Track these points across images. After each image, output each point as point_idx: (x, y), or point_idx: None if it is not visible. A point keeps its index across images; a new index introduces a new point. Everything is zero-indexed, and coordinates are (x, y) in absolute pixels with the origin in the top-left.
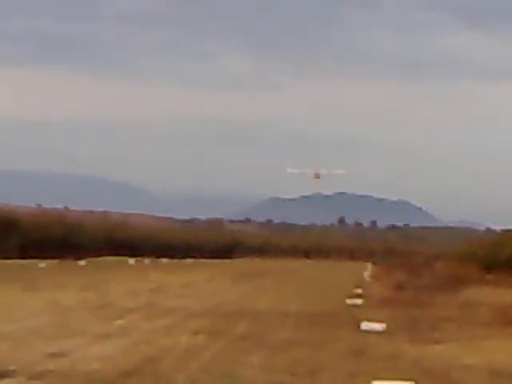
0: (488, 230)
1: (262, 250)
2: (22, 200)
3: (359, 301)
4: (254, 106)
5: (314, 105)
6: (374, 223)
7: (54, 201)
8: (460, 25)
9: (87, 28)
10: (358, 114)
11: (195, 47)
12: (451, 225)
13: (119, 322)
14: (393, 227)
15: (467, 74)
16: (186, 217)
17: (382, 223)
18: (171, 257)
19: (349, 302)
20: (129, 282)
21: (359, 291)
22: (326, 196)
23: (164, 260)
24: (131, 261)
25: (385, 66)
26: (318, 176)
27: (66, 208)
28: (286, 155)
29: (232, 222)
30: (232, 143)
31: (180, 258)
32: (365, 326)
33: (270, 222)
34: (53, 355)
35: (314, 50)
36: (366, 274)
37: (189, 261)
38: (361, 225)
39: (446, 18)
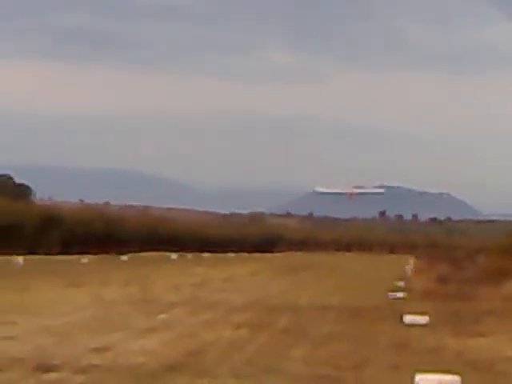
0: None
1: (303, 244)
2: (64, 195)
3: (401, 294)
4: (293, 98)
5: (353, 97)
6: (415, 216)
7: (93, 196)
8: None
9: (124, 23)
10: (398, 105)
11: (234, 40)
12: (493, 217)
13: (162, 316)
14: (434, 220)
15: (503, 63)
16: (227, 211)
17: (423, 216)
18: (213, 251)
19: (391, 295)
20: (171, 276)
21: (401, 284)
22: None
23: (206, 254)
24: (173, 255)
25: (424, 58)
26: (351, 196)
27: (107, 203)
28: (327, 148)
29: (273, 215)
30: (272, 136)
31: (222, 252)
32: (407, 319)
33: (311, 215)
34: (97, 349)
35: (353, 42)
36: (408, 268)
37: (230, 255)
38: (402, 218)
39: (488, 8)
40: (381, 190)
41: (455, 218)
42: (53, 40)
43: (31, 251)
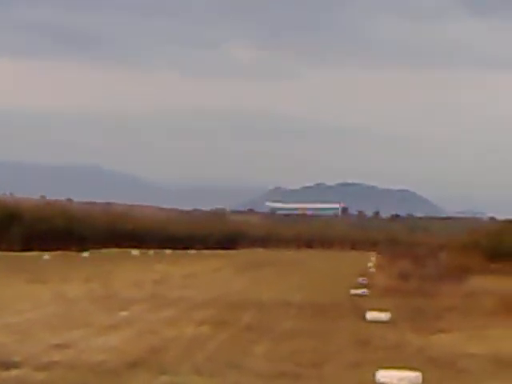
0: (492, 219)
1: (265, 241)
2: (25, 192)
3: (363, 290)
4: (256, 94)
5: (316, 94)
6: (377, 213)
7: (57, 192)
8: (467, 11)
9: (91, 18)
10: (361, 102)
11: (202, 36)
12: (455, 214)
13: (123, 313)
14: (396, 217)
15: (475, 61)
16: (190, 208)
17: (385, 213)
18: (175, 248)
19: (353, 291)
20: (133, 273)
21: (363, 281)
22: (329, 186)
23: (168, 251)
24: (135, 252)
25: (388, 54)
26: (304, 212)
27: (70, 200)
28: (289, 145)
29: (235, 212)
30: (234, 133)
31: (184, 249)
32: (369, 315)
33: (273, 211)
34: (58, 346)
35: (321, 38)
36: (370, 264)
37: (193, 252)
38: (364, 215)
39: (453, 4)
40: (336, 206)
41: (417, 215)
42: (22, 36)
43: None
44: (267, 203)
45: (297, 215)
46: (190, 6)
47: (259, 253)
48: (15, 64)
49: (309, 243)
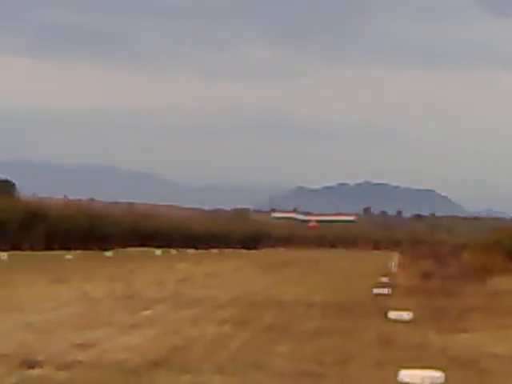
0: None
1: (287, 241)
2: (48, 192)
3: (386, 290)
4: (278, 95)
5: (337, 94)
6: (399, 213)
7: (78, 192)
8: (485, 12)
9: (105, 19)
10: (384, 102)
11: (215, 36)
12: (477, 214)
13: (146, 312)
14: (418, 217)
15: (492, 62)
16: (212, 207)
17: (407, 213)
18: (197, 247)
19: (375, 291)
20: (155, 272)
21: (386, 280)
22: (351, 186)
23: (190, 250)
24: (157, 252)
25: (408, 55)
26: (314, 226)
27: (92, 199)
28: (312, 145)
29: (258, 212)
30: (257, 133)
31: (206, 248)
32: (392, 315)
33: (295, 211)
34: (81, 346)
35: (337, 39)
36: (393, 264)
37: (215, 251)
38: (386, 214)
39: (471, 5)
40: (351, 218)
41: (439, 214)
42: (31, 36)
43: (15, 247)
44: (273, 214)
45: (307, 227)
46: (203, 6)
47: (281, 252)
48: (32, 64)
49: (331, 242)
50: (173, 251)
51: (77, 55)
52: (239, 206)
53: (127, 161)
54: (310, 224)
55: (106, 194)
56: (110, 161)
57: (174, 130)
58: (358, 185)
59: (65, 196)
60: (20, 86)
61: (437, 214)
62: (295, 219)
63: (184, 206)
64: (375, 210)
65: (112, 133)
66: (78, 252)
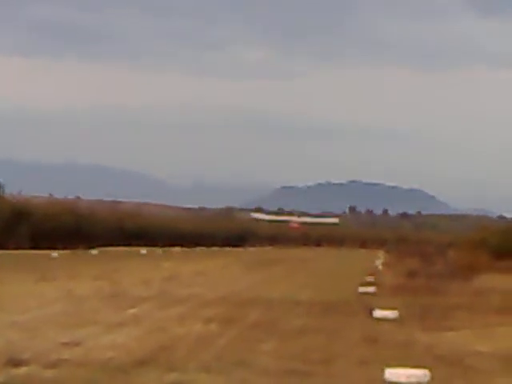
0: (501, 217)
1: (273, 239)
2: (34, 190)
3: (371, 288)
4: (266, 94)
5: (325, 93)
6: (385, 211)
7: (64, 191)
8: (474, 12)
9: (96, 16)
10: (369, 101)
11: (212, 35)
12: (463, 212)
13: (132, 310)
14: (405, 215)
15: (480, 60)
16: (197, 206)
17: (393, 211)
18: (183, 246)
19: (361, 289)
20: (141, 271)
21: (371, 279)
22: (338, 184)
23: (176, 249)
24: (143, 250)
25: (399, 53)
26: (296, 227)
27: (78, 198)
28: (298, 144)
29: (243, 210)
30: (243, 132)
31: (192, 246)
32: (377, 313)
33: (281, 210)
34: (67, 344)
35: (331, 38)
36: (378, 262)
37: (201, 249)
38: (372, 213)
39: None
40: (335, 221)
41: (425, 212)
42: (26, 34)
43: (0, 246)
44: (252, 215)
45: (288, 228)
46: (201, 6)
47: (267, 251)
48: (22, 62)
49: (317, 241)
50: (158, 250)
51: (66, 54)
52: (225, 205)
53: (115, 159)
54: (291, 225)
55: (93, 192)
56: (97, 160)
57: (160, 128)
58: (345, 184)
59: (50, 195)
60: (8, 85)
61: (423, 213)
62: (273, 221)
63: (170, 204)
64: (361, 209)
65: (100, 132)
66: (64, 251)
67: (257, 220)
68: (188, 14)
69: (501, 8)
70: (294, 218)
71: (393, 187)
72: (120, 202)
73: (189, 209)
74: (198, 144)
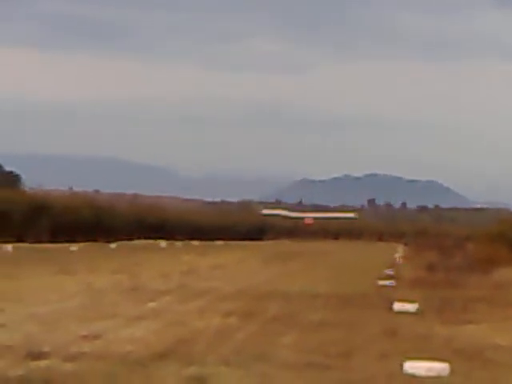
0: None
1: (292, 232)
2: (54, 184)
3: (391, 281)
4: (285, 87)
5: (342, 85)
6: (404, 204)
7: (83, 184)
8: (488, 2)
9: (108, 10)
10: (387, 94)
11: (226, 28)
12: (482, 205)
13: (151, 304)
14: (423, 208)
15: (495, 52)
16: (216, 199)
17: (412, 204)
18: (202, 239)
19: (380, 282)
20: (160, 264)
21: (391, 272)
22: (357, 177)
23: (195, 242)
24: (162, 243)
25: (413, 45)
26: (309, 223)
27: (97, 191)
28: (316, 136)
29: (263, 203)
30: (262, 124)
31: (211, 240)
32: (396, 306)
33: (300, 203)
34: (86, 337)
35: (346, 31)
36: (397, 255)
37: (220, 243)
38: (391, 206)
39: None
40: (351, 215)
41: (444, 205)
42: (40, 27)
43: (20, 239)
44: (264, 211)
45: (303, 224)
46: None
47: (286, 244)
48: (38, 55)
49: (336, 235)
50: (178, 243)
51: (84, 47)
52: (244, 198)
53: (131, 153)
54: (306, 220)
55: (110, 185)
56: (114, 153)
57: (177, 121)
58: (364, 176)
59: (70, 188)
60: (27, 78)
61: (441, 206)
62: (286, 217)
63: (189, 197)
64: (380, 202)
65: (117, 124)
66: (84, 244)
67: (268, 216)
68: (199, 8)
69: None
70: (309, 214)
71: (411, 180)
72: (139, 195)
73: (208, 202)
74: (215, 137)
